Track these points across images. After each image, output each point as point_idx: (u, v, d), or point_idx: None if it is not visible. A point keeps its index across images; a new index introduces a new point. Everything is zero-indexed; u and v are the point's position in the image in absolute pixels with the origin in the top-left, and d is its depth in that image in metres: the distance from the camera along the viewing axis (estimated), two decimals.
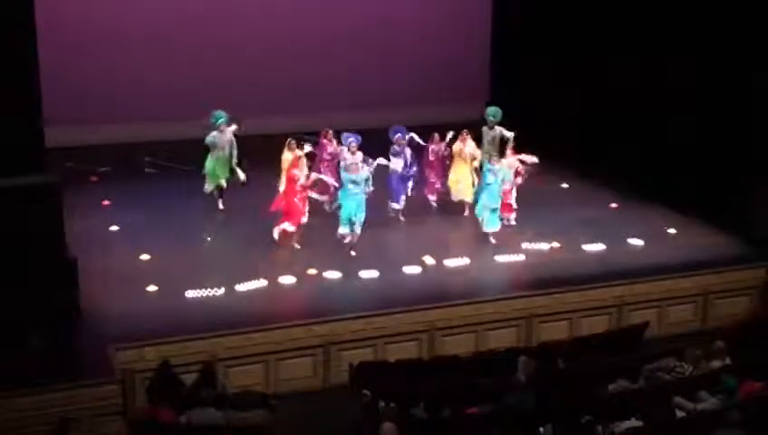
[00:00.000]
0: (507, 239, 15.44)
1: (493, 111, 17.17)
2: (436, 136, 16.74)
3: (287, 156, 15.38)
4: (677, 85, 17.34)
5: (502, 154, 16.37)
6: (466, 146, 16.40)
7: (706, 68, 16.86)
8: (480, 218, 15.40)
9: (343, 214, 14.73)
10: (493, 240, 15.34)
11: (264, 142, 18.19)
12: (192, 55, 20.13)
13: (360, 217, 14.64)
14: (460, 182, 16.47)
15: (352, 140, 15.36)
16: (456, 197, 16.63)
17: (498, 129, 16.99)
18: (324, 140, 16.51)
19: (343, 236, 14.72)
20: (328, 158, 16.39)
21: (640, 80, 18.13)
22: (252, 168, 16.74)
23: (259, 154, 17.24)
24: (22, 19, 12.34)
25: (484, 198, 15.34)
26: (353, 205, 14.60)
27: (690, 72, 17.10)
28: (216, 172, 16.38)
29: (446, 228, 16.31)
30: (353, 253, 14.67)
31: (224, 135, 16.32)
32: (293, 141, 15.58)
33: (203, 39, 20.22)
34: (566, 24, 19.93)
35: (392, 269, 14.31)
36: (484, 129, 17.11)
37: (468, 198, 16.38)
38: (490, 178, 15.28)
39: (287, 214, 14.90)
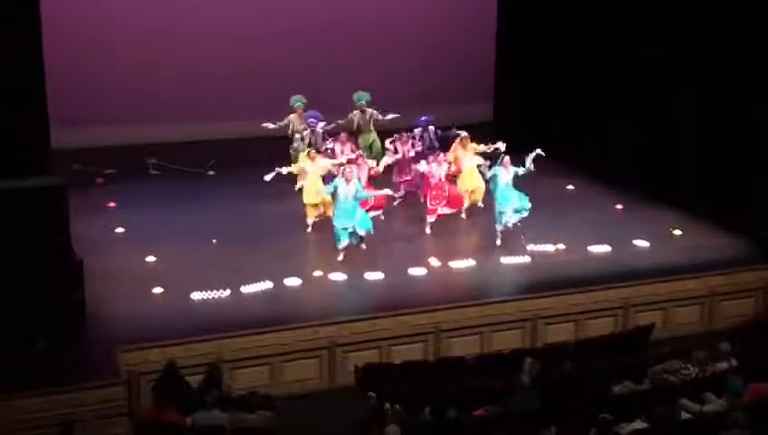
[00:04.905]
0: (513, 241, 15.43)
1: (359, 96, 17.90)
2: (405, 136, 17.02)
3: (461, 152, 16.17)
4: (681, 86, 17.32)
5: None
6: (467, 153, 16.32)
7: (709, 68, 16.82)
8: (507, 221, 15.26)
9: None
10: (498, 241, 15.33)
11: (264, 144, 18.27)
12: (198, 56, 20.15)
13: None
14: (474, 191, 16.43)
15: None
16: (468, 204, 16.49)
17: (369, 110, 17.80)
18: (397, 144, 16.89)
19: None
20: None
21: (644, 81, 18.11)
22: (254, 169, 16.66)
23: (263, 155, 17.26)
24: (27, 19, 12.36)
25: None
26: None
27: (693, 74, 17.08)
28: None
29: (449, 230, 16.28)
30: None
31: (299, 119, 17.57)
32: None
33: (210, 40, 20.22)
34: (571, 26, 19.89)
35: (397, 271, 14.30)
36: (357, 113, 17.84)
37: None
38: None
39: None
